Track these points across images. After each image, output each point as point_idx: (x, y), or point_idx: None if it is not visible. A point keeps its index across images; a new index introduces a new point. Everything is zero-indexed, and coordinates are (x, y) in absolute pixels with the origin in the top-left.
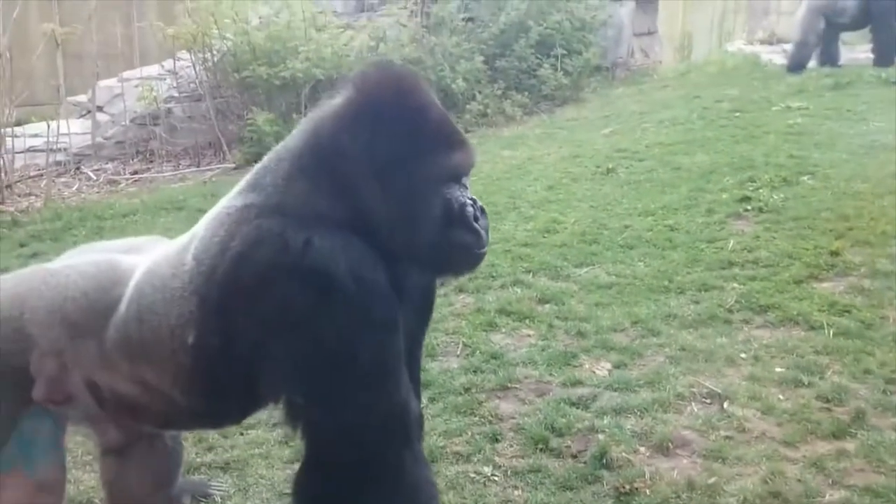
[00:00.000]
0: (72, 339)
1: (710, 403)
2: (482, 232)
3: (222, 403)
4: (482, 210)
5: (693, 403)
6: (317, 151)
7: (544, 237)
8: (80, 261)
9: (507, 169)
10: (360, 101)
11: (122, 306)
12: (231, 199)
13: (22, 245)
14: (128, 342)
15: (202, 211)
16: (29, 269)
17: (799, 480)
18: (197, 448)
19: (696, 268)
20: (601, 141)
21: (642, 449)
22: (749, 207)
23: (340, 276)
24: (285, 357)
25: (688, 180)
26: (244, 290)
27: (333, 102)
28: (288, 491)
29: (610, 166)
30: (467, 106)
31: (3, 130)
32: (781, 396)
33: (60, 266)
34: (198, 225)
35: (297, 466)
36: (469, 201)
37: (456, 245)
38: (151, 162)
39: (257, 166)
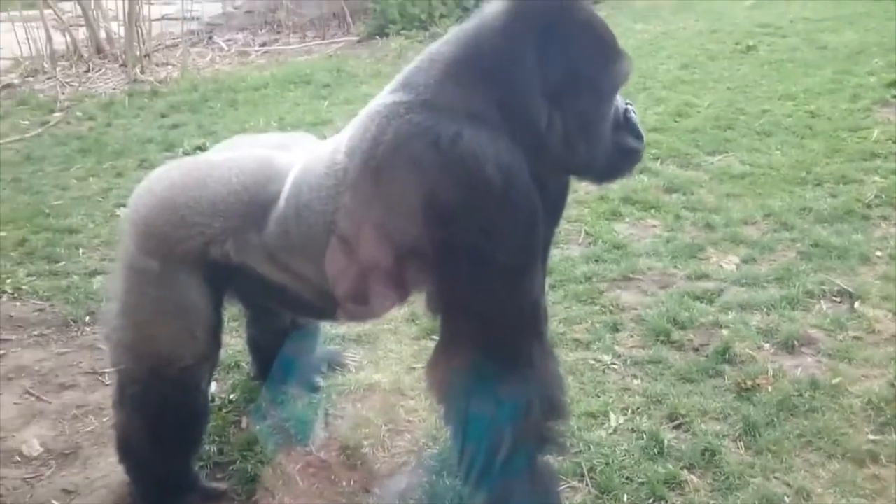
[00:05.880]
0: (234, 230)
1: (840, 302)
2: (644, 134)
3: (372, 295)
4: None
5: (822, 302)
6: (476, 59)
7: (675, 121)
8: (240, 155)
9: (639, 45)
10: (524, 12)
11: (281, 202)
12: (381, 98)
13: (163, 115)
14: (286, 236)
15: (328, 86)
16: (192, 159)
17: None
18: None
19: (835, 158)
20: (742, 14)
21: (766, 346)
22: None
23: (489, 170)
24: (432, 246)
25: (833, 61)
26: (395, 181)
27: (492, 11)
28: (415, 365)
29: (750, 43)
30: None
31: None
32: None
33: (222, 159)
34: (347, 126)
35: (423, 343)
36: (630, 106)
37: (625, 150)
38: (279, 33)
39: (408, 67)
